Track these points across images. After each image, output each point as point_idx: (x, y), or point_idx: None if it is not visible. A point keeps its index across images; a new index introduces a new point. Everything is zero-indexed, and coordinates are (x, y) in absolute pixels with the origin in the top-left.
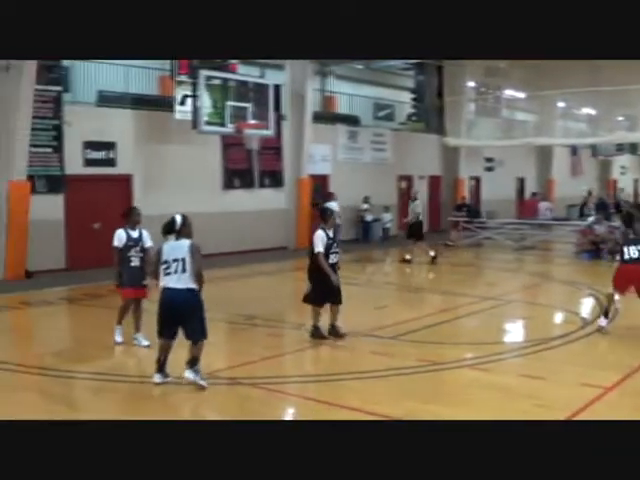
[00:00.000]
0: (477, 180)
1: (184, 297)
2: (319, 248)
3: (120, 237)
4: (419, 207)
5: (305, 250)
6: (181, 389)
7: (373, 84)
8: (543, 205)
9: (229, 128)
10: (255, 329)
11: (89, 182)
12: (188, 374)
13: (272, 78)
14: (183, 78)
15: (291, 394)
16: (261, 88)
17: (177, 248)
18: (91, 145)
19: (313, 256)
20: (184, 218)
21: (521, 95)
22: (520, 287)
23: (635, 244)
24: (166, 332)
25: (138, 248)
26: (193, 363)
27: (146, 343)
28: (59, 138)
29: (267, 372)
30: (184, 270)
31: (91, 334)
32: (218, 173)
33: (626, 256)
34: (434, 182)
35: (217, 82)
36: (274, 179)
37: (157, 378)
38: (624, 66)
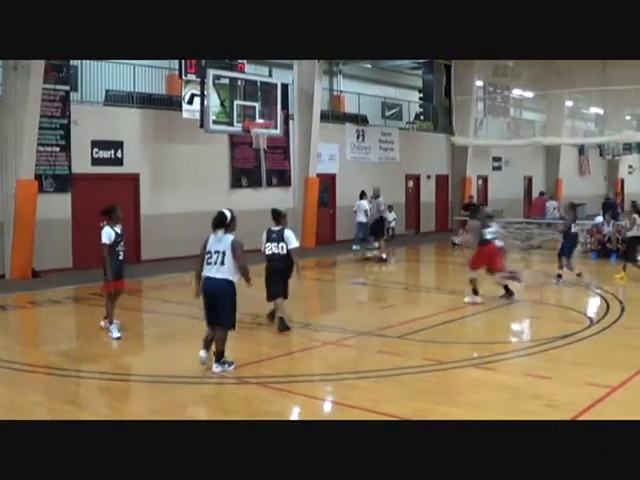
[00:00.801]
0: (485, 179)
1: (221, 286)
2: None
3: (109, 234)
4: (382, 205)
5: (311, 249)
6: (188, 388)
7: (381, 83)
8: (550, 204)
9: (237, 127)
10: (261, 328)
11: (96, 181)
12: (215, 368)
13: (280, 77)
14: (191, 77)
15: (298, 393)
16: (269, 87)
17: (221, 241)
18: (98, 144)
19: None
20: (232, 213)
21: (529, 94)
22: (526, 286)
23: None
24: (207, 318)
25: (123, 242)
26: (219, 357)
27: (117, 335)
28: (66, 137)
29: (274, 371)
30: (223, 262)
31: (97, 333)
32: (226, 172)
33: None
34: (442, 181)
35: (225, 81)
36: (282, 178)
37: (202, 353)
38: (632, 65)
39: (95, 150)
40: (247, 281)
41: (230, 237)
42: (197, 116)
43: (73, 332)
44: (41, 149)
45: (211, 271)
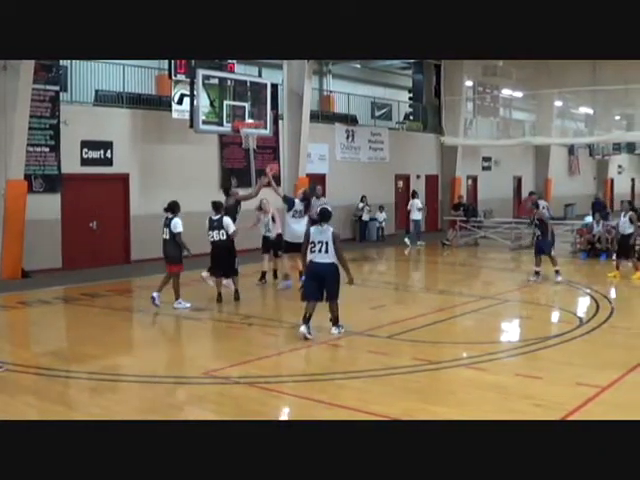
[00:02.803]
0: (474, 179)
1: (326, 268)
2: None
3: (181, 224)
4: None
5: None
6: (178, 388)
7: (371, 83)
8: (540, 204)
9: (226, 127)
10: (251, 328)
11: (86, 181)
12: (334, 331)
13: (270, 77)
14: (181, 77)
15: (288, 393)
16: (259, 87)
17: (323, 232)
18: (88, 144)
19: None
20: (331, 209)
21: (519, 94)
22: (516, 286)
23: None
24: (312, 295)
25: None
26: (335, 321)
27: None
28: (56, 137)
29: (264, 371)
30: (327, 250)
31: (88, 333)
32: (215, 172)
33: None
34: (431, 181)
35: (215, 81)
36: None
37: (303, 328)
38: (622, 65)
39: (85, 150)
40: (346, 272)
41: (330, 229)
42: (187, 116)
43: (63, 332)
44: (31, 149)
45: (317, 257)
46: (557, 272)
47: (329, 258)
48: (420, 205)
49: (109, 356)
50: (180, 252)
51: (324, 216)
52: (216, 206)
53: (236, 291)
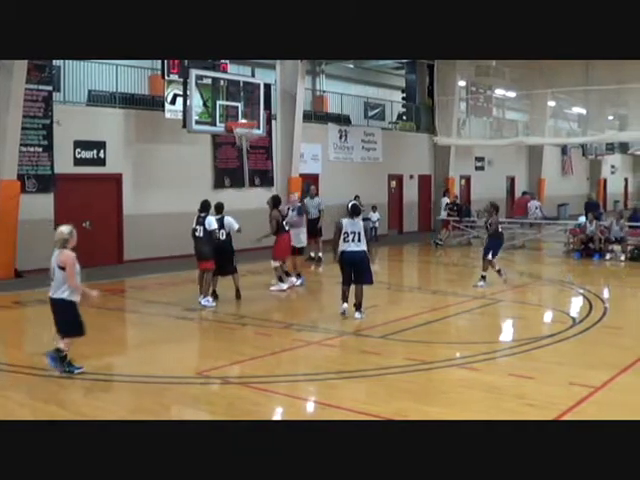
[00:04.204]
0: (467, 179)
1: (359, 256)
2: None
3: (214, 222)
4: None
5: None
6: (171, 388)
7: (364, 83)
8: (533, 204)
9: (219, 127)
10: (245, 328)
11: (79, 181)
12: (357, 315)
13: (263, 77)
14: (174, 77)
15: (281, 393)
16: (252, 87)
17: (355, 224)
18: (81, 144)
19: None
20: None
21: (512, 94)
22: (510, 286)
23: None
24: (346, 280)
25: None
26: (359, 307)
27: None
28: (49, 137)
29: (257, 371)
30: (359, 240)
31: None
32: (208, 172)
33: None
34: (424, 181)
35: (208, 81)
36: (264, 178)
37: (345, 305)
38: (615, 65)
39: (78, 150)
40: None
41: (361, 222)
42: (180, 116)
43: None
44: (24, 149)
45: (350, 246)
46: (483, 278)
47: (361, 247)
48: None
49: (102, 356)
50: (211, 249)
51: (355, 211)
52: (204, 206)
53: (237, 290)
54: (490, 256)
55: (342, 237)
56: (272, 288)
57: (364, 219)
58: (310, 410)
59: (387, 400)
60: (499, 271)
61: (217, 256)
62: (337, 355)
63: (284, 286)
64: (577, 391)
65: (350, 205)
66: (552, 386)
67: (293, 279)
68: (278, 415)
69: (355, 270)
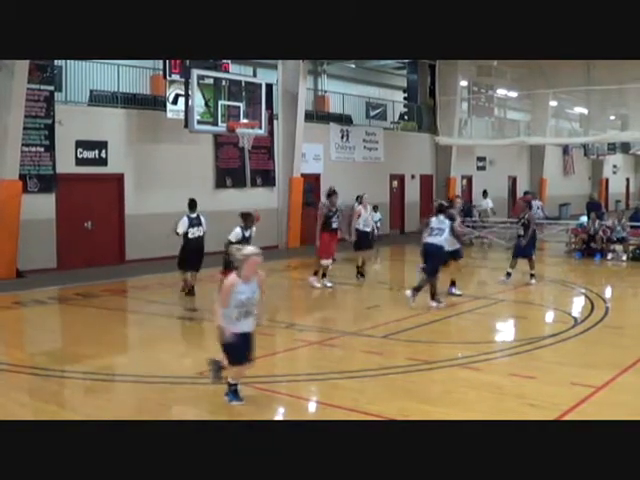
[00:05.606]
0: (469, 179)
1: (436, 248)
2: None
3: (237, 234)
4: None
5: (296, 249)
6: (173, 389)
7: (365, 83)
8: (535, 204)
9: (221, 127)
10: None
11: (81, 181)
12: (431, 303)
13: (264, 77)
14: (175, 77)
15: (282, 393)
16: (253, 87)
17: (441, 222)
18: (83, 144)
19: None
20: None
21: (513, 94)
22: (511, 286)
23: None
24: (432, 272)
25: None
26: (433, 295)
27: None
28: (51, 137)
29: (258, 371)
30: (440, 235)
31: (82, 334)
32: (210, 172)
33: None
34: (426, 181)
35: (209, 81)
36: (266, 178)
37: (433, 303)
38: (616, 65)
39: (79, 150)
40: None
41: (447, 221)
42: (181, 116)
43: (58, 332)
44: (25, 149)
45: (429, 238)
46: (532, 275)
47: (439, 241)
48: (491, 204)
49: (103, 356)
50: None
51: (442, 209)
52: (192, 205)
53: (192, 287)
54: (534, 255)
55: (428, 231)
56: (327, 284)
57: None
58: (311, 410)
59: (389, 400)
60: (530, 274)
61: (192, 252)
62: (339, 355)
63: (328, 284)
64: (578, 391)
65: (436, 204)
66: (553, 386)
67: (327, 282)
68: (279, 415)
69: (427, 260)
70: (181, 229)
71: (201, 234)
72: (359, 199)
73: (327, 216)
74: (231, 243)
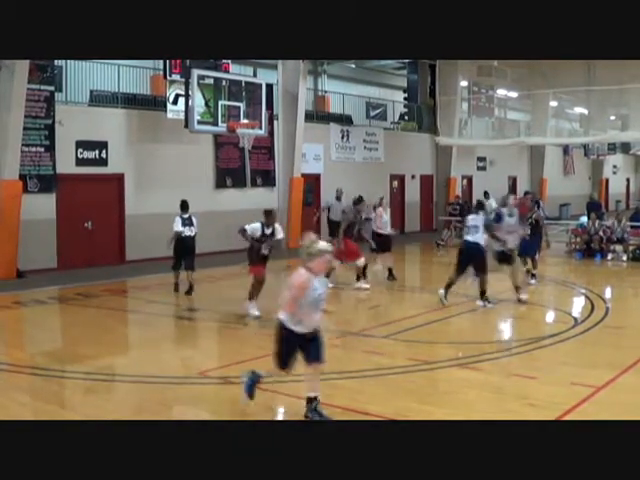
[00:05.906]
0: (469, 179)
1: (475, 247)
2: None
3: (255, 229)
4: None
5: (296, 249)
6: (173, 389)
7: (365, 83)
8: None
9: (221, 127)
10: (246, 328)
11: (81, 181)
12: (478, 302)
13: (264, 77)
14: (175, 77)
15: (283, 393)
16: (253, 87)
17: (476, 220)
18: (83, 144)
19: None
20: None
21: (513, 94)
22: (511, 286)
23: None
24: (459, 268)
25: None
26: (482, 294)
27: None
28: (51, 137)
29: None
30: (476, 232)
31: (83, 333)
32: (210, 172)
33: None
34: (426, 181)
35: (209, 81)
36: (266, 178)
37: (480, 302)
38: (617, 65)
39: (80, 150)
40: (497, 239)
41: (482, 218)
42: (182, 116)
43: (58, 332)
44: (25, 149)
45: (469, 237)
46: (533, 275)
47: (477, 239)
48: (495, 204)
49: (104, 356)
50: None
51: (479, 207)
52: (184, 206)
53: (191, 286)
54: (537, 255)
55: (465, 230)
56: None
57: (366, 219)
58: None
59: (389, 400)
60: (531, 273)
61: (183, 250)
62: (339, 355)
63: (365, 285)
64: (579, 391)
65: (476, 202)
66: (554, 386)
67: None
68: (279, 415)
69: (470, 260)
70: (176, 228)
71: (192, 234)
72: (379, 201)
73: (352, 222)
74: (244, 230)
